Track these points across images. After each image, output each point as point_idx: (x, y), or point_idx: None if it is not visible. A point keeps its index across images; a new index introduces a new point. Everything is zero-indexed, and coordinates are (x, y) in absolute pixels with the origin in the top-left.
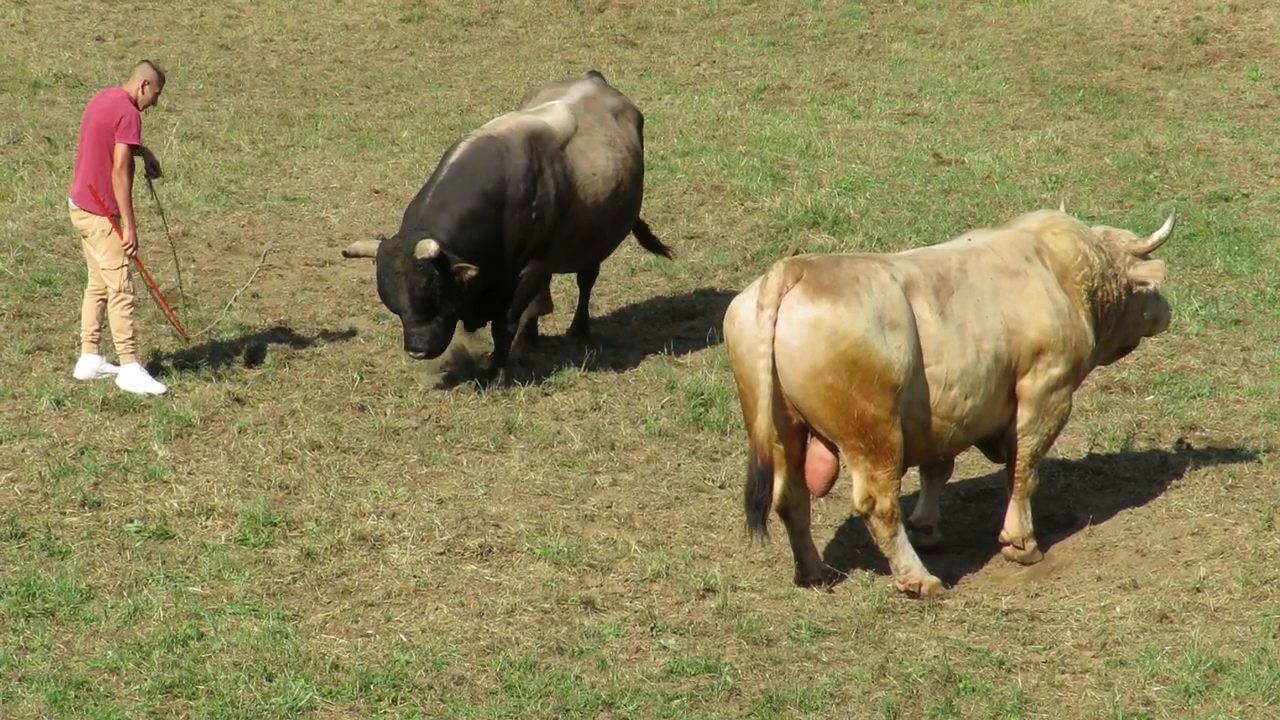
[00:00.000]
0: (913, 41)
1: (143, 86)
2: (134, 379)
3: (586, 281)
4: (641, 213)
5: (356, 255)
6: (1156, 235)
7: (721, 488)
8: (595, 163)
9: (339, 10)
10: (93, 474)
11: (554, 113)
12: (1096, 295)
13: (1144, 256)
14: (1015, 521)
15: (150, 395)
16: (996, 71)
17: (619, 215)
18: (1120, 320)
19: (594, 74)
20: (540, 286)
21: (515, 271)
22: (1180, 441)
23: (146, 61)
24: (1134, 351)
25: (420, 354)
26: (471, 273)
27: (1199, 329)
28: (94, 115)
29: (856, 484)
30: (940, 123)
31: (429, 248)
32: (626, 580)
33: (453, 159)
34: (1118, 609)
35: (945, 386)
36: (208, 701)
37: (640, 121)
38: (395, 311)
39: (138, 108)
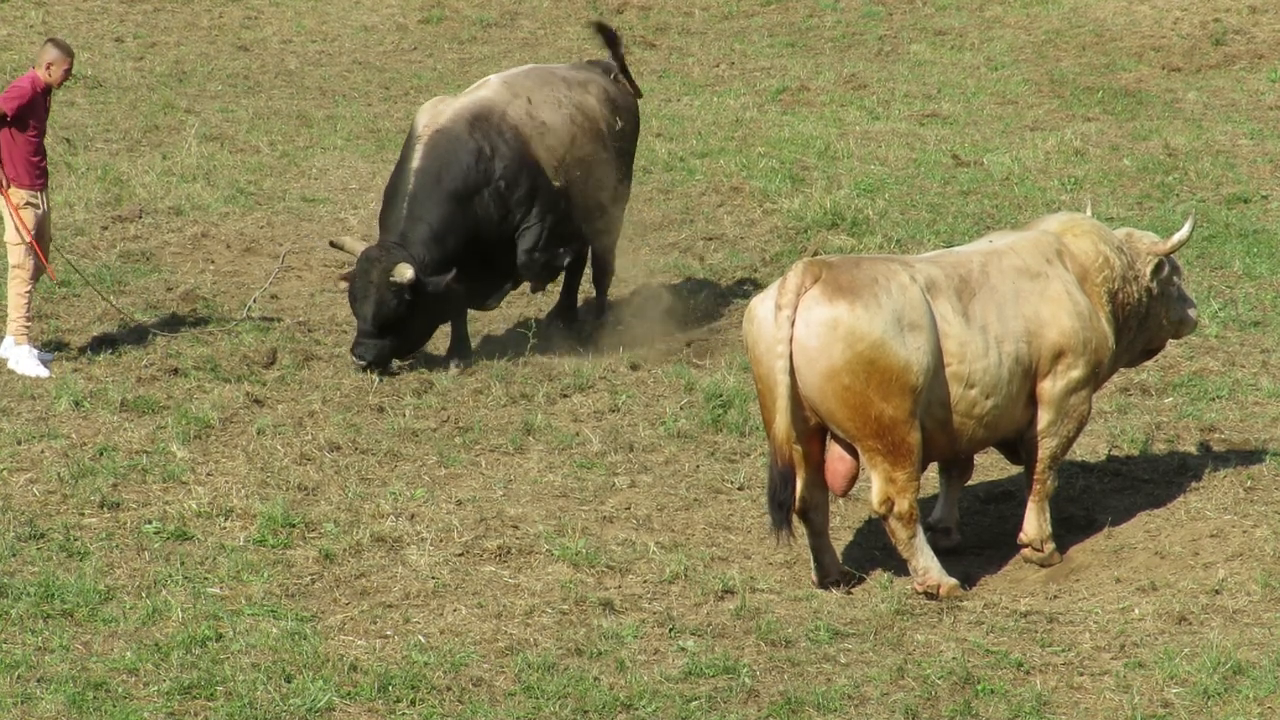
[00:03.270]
0: (932, 43)
1: (48, 67)
2: (23, 362)
3: (601, 279)
4: (660, 214)
5: (341, 249)
6: (1176, 237)
7: (740, 489)
8: (543, 119)
9: (358, 11)
10: (111, 475)
11: (487, 87)
12: (1117, 297)
13: (1165, 258)
14: (1034, 523)
15: (38, 378)
16: (1015, 73)
17: (580, 170)
18: (1142, 323)
19: (597, 62)
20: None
21: (511, 241)
22: (1200, 444)
23: (50, 40)
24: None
25: (361, 364)
26: (449, 278)
27: (1218, 331)
28: None
29: (875, 485)
30: (959, 124)
31: (405, 273)
32: (645, 582)
33: (415, 165)
34: (1136, 611)
35: (967, 387)
36: (226, 702)
37: (605, 97)
38: (356, 316)
39: (39, 87)
